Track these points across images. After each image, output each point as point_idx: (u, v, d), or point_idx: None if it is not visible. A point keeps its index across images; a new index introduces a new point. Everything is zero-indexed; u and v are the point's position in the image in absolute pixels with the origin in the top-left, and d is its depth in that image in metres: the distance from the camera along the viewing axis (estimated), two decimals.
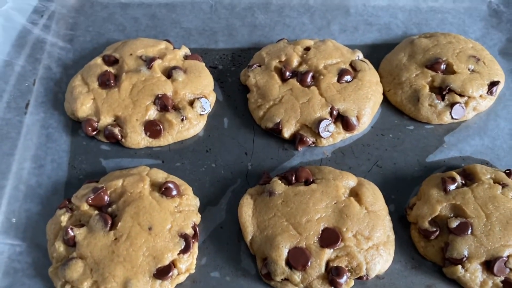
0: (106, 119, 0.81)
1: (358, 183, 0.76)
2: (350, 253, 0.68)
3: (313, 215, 0.70)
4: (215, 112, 0.87)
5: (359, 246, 0.69)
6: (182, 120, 0.82)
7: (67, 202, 0.73)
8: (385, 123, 0.87)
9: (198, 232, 0.72)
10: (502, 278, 0.68)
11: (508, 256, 0.68)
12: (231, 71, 0.93)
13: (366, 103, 0.84)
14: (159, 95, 0.82)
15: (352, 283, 0.68)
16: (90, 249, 0.67)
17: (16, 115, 0.84)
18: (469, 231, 0.70)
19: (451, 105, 0.85)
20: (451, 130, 0.86)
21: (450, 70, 0.88)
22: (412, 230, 0.75)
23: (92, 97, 0.83)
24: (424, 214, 0.73)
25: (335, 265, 0.67)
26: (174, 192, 0.73)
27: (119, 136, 0.80)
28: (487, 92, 0.87)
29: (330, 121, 0.82)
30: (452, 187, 0.75)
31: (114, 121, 0.82)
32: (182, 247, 0.68)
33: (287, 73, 0.86)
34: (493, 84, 0.87)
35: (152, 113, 0.82)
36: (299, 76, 0.86)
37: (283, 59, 0.88)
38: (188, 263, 0.69)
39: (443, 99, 0.85)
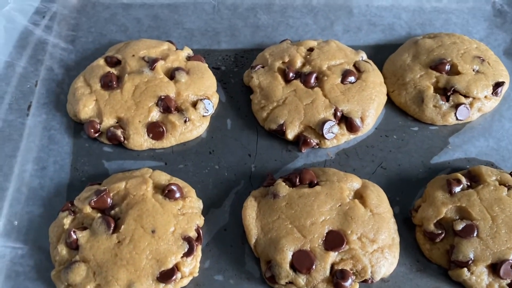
0: (108, 121, 0.80)
1: (363, 185, 0.75)
2: (355, 256, 0.67)
3: (317, 217, 0.70)
4: (218, 113, 0.87)
5: (364, 249, 0.68)
6: (185, 121, 0.81)
7: (69, 205, 0.72)
8: (389, 124, 0.87)
9: (201, 234, 0.71)
10: (508, 281, 0.67)
11: None
12: (234, 72, 0.93)
13: (370, 104, 0.83)
14: (162, 97, 0.81)
15: (357, 286, 0.68)
16: (93, 252, 0.66)
17: (18, 117, 0.83)
18: (475, 234, 0.69)
19: (456, 106, 0.84)
20: (456, 131, 0.86)
21: (454, 71, 0.87)
22: (417, 233, 0.74)
23: (95, 98, 0.82)
24: (429, 217, 0.72)
25: (340, 268, 0.67)
26: (177, 195, 0.72)
27: (122, 138, 0.80)
28: (492, 93, 0.86)
29: (334, 123, 0.81)
30: (457, 189, 0.74)
31: (117, 122, 0.81)
32: (186, 250, 0.68)
33: (291, 74, 0.86)
34: (498, 84, 0.86)
35: (155, 115, 0.81)
36: (302, 77, 0.85)
37: (287, 60, 0.88)
38: (191, 266, 0.68)
39: (447, 100, 0.85)
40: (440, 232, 0.71)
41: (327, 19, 1.01)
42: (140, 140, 0.80)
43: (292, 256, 0.67)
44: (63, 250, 0.68)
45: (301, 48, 0.90)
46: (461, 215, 0.72)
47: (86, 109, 0.81)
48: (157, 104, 0.81)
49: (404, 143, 0.84)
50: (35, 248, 0.71)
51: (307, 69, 0.86)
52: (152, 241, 0.67)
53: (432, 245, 0.72)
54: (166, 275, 0.66)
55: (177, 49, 0.91)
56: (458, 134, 0.85)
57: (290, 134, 0.81)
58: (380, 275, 0.68)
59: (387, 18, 1.02)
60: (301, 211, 0.71)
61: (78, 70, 0.89)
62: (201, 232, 0.71)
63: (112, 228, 0.68)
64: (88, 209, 0.71)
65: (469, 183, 0.76)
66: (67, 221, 0.70)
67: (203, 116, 0.83)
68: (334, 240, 0.68)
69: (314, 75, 0.85)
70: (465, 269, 0.68)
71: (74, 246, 0.67)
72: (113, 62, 0.87)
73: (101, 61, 0.87)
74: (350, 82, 0.85)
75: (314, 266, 0.67)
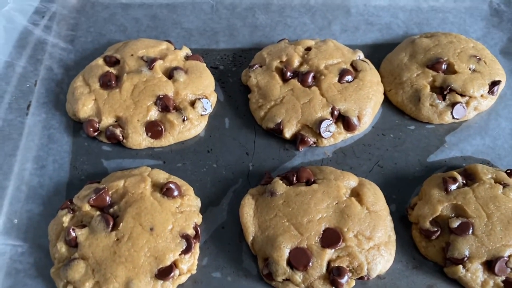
0: (107, 120, 0.81)
1: (359, 183, 0.76)
2: (351, 253, 0.68)
3: (314, 215, 0.71)
4: (216, 112, 0.87)
5: (360, 246, 0.69)
6: (183, 120, 0.82)
7: (69, 203, 0.73)
8: (386, 123, 0.87)
9: (199, 232, 0.72)
10: (503, 278, 0.68)
11: (509, 256, 0.68)
12: (232, 71, 0.93)
13: (367, 103, 0.84)
14: (160, 96, 0.82)
15: (353, 283, 0.68)
16: (92, 250, 0.67)
17: (18, 116, 0.84)
18: (470, 231, 0.70)
19: (452, 105, 0.85)
20: (452, 130, 0.86)
21: (451, 70, 0.88)
22: (413, 230, 0.75)
23: (94, 98, 0.83)
24: (425, 214, 0.73)
25: (336, 265, 0.67)
26: (176, 193, 0.73)
27: (121, 137, 0.80)
28: (488, 92, 0.86)
29: (331, 121, 0.82)
30: (453, 187, 0.75)
31: (116, 121, 0.82)
32: (184, 247, 0.68)
33: (288, 74, 0.86)
34: (494, 83, 0.87)
35: (153, 114, 0.82)
36: (300, 76, 0.86)
37: (284, 59, 0.88)
38: (189, 264, 0.69)
39: (444, 99, 0.85)
40: (436, 229, 0.72)
41: (325, 18, 1.02)
42: (139, 139, 0.81)
43: (289, 253, 0.68)
44: (62, 248, 0.68)
45: (299, 48, 0.90)
46: (457, 213, 0.73)
47: (85, 108, 0.82)
48: (155, 103, 0.82)
49: (400, 142, 0.85)
50: (35, 246, 0.72)
51: (304, 68, 0.87)
52: (151, 239, 0.68)
53: (428, 242, 0.72)
54: (164, 272, 0.66)
55: (175, 48, 0.92)
56: (454, 132, 0.86)
57: (288, 133, 0.82)
58: (376, 272, 0.69)
59: (384, 17, 1.02)
60: (298, 209, 0.71)
61: (77, 70, 0.90)
62: (199, 230, 0.72)
63: (111, 226, 0.69)
64: (87, 207, 0.71)
65: (465, 181, 0.77)
66: (66, 219, 0.71)
67: (201, 115, 0.84)
68: (331, 238, 0.69)
69: (312, 74, 0.86)
70: (461, 266, 0.69)
71: (73, 244, 0.68)
72: (112, 62, 0.88)
73: (100, 61, 0.88)
74: (347, 81, 0.86)
75: (310, 263, 0.67)
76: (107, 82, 0.84)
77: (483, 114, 0.88)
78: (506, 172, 0.77)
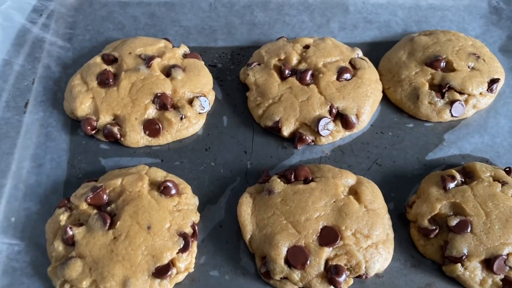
0: (105, 118, 0.81)
1: (357, 181, 0.76)
2: (349, 252, 0.68)
3: (312, 213, 0.70)
4: (214, 110, 0.87)
5: (358, 245, 0.69)
6: (181, 118, 0.82)
7: (66, 201, 0.73)
8: (385, 121, 0.87)
9: (197, 231, 0.71)
10: (502, 276, 0.68)
11: (507, 254, 0.68)
12: (230, 69, 0.93)
13: (366, 101, 0.84)
14: (158, 94, 0.82)
15: (351, 281, 0.68)
16: (89, 248, 0.67)
17: (16, 114, 0.84)
18: (469, 229, 0.69)
19: (451, 102, 0.84)
20: (451, 128, 0.86)
21: (450, 68, 0.87)
22: (411, 229, 0.74)
23: (91, 96, 0.82)
24: (424, 212, 0.73)
25: (334, 263, 0.67)
26: (173, 191, 0.73)
27: (118, 135, 0.80)
28: (487, 90, 0.86)
29: (330, 120, 0.81)
30: (451, 185, 0.75)
31: (113, 120, 0.82)
32: (181, 246, 0.68)
33: (287, 72, 0.86)
34: (493, 81, 0.87)
35: (151, 112, 0.81)
36: (298, 74, 0.85)
37: (283, 57, 0.88)
38: (187, 262, 0.69)
39: (442, 97, 0.85)
40: (434, 228, 0.71)
41: (323, 16, 1.01)
42: (137, 137, 0.80)
43: (287, 251, 0.68)
44: (59, 246, 0.68)
45: (297, 46, 0.90)
46: (455, 211, 0.72)
47: (83, 107, 0.82)
48: (153, 102, 0.82)
49: (399, 140, 0.84)
50: (32, 244, 0.72)
51: (303, 66, 0.87)
52: (148, 237, 0.68)
53: (426, 240, 0.72)
54: (162, 271, 0.66)
55: (173, 46, 0.92)
56: (453, 130, 0.86)
57: (286, 131, 0.82)
58: (374, 270, 0.69)
59: (383, 15, 1.02)
60: (296, 207, 0.71)
61: (75, 68, 0.90)
62: (196, 228, 0.72)
63: (108, 224, 0.68)
64: (84, 206, 0.71)
65: (463, 179, 0.76)
66: (63, 217, 0.71)
67: (199, 113, 0.84)
68: (329, 236, 0.69)
69: (310, 72, 0.85)
70: (459, 264, 0.68)
71: (70, 242, 0.68)
72: (110, 60, 0.88)
73: (97, 59, 0.88)
74: (346, 79, 0.85)
75: (308, 262, 0.67)
76: (104, 80, 0.83)
77: (482, 112, 0.88)
78: (504, 170, 0.77)
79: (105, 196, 0.72)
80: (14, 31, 0.92)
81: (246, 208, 0.73)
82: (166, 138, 0.82)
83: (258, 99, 0.85)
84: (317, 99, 0.82)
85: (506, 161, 0.82)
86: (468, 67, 0.87)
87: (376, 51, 0.96)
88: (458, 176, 0.76)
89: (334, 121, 0.82)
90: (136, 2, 1.01)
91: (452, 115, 0.85)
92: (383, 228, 0.71)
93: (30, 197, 0.76)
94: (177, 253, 0.68)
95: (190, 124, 0.83)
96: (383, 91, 0.89)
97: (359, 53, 0.91)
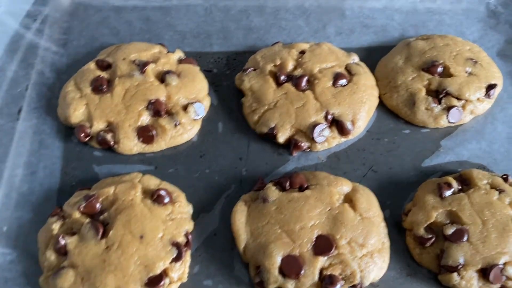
0: (98, 125, 0.80)
1: (353, 189, 0.75)
2: (344, 261, 0.67)
3: (306, 222, 0.70)
4: (209, 116, 0.86)
5: (353, 254, 0.68)
6: (176, 125, 0.81)
7: (59, 210, 0.72)
8: (381, 127, 0.86)
9: (190, 240, 0.71)
10: (498, 286, 0.67)
11: (504, 264, 0.67)
12: (226, 74, 0.92)
13: (361, 107, 0.83)
14: (152, 100, 0.81)
15: None
16: (82, 258, 0.66)
17: (9, 121, 0.83)
18: (465, 238, 0.69)
19: (448, 108, 0.84)
20: (448, 134, 0.85)
21: (447, 73, 0.87)
22: (407, 237, 0.74)
23: (85, 102, 0.82)
24: (420, 221, 0.72)
25: (328, 273, 0.67)
26: (167, 200, 0.72)
27: (112, 142, 0.79)
28: (485, 95, 0.85)
29: (325, 126, 0.81)
30: (448, 193, 0.74)
31: (107, 127, 0.81)
32: (174, 255, 0.68)
33: (282, 77, 0.85)
34: (490, 87, 0.86)
35: (145, 119, 0.81)
36: (294, 80, 0.85)
37: (278, 63, 0.88)
38: (180, 272, 0.68)
39: (439, 103, 0.84)
40: (430, 236, 0.71)
41: (320, 21, 1.00)
42: (130, 144, 0.80)
43: (281, 261, 0.67)
44: (51, 256, 0.68)
45: (293, 51, 0.89)
46: (452, 219, 0.72)
47: (77, 113, 0.81)
48: (147, 108, 0.81)
49: (395, 146, 0.84)
50: (24, 254, 0.71)
51: (298, 72, 0.86)
52: (140, 247, 0.67)
53: (422, 249, 0.72)
54: (154, 281, 0.66)
55: (168, 52, 0.91)
56: (450, 137, 0.85)
57: (281, 138, 0.81)
58: (369, 280, 0.68)
59: (380, 19, 1.01)
60: (291, 216, 0.70)
61: (69, 74, 0.89)
62: (190, 237, 0.71)
63: (100, 233, 0.68)
64: (77, 214, 0.70)
65: (460, 187, 0.76)
66: (56, 226, 0.70)
67: (194, 119, 0.83)
68: (323, 245, 0.68)
69: (305, 78, 0.85)
70: (455, 273, 0.68)
71: (62, 252, 0.67)
72: (104, 66, 0.87)
73: (92, 65, 0.87)
74: (341, 85, 0.85)
75: (302, 271, 0.66)
76: (98, 87, 0.83)
77: (479, 118, 0.87)
78: (502, 177, 0.76)
79: (98, 205, 0.71)
80: (8, 37, 0.92)
81: (240, 216, 0.72)
82: (160, 145, 0.81)
83: (253, 105, 0.85)
84: (313, 105, 0.82)
85: (503, 167, 0.82)
86: (466, 72, 0.87)
87: (373, 55, 0.95)
88: (454, 184, 0.75)
89: (329, 127, 0.82)
90: (131, 7, 1.01)
91: (449, 121, 0.84)
92: (378, 237, 0.70)
93: (22, 206, 0.75)
94: (170, 263, 0.67)
95: (184, 131, 0.82)
96: (379, 97, 0.88)
97: (355, 58, 0.90)
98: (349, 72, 0.87)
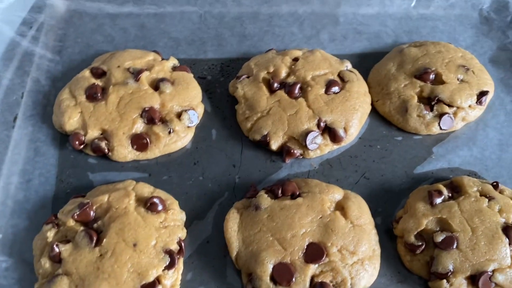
0: (93, 133, 0.81)
1: (344, 197, 0.76)
2: (334, 268, 0.68)
3: (298, 230, 0.70)
4: (203, 123, 0.87)
5: (344, 261, 0.69)
6: (169, 132, 0.82)
7: (53, 218, 0.73)
8: (373, 133, 0.87)
9: (183, 247, 0.72)
10: None
11: (493, 271, 0.68)
12: (220, 81, 0.93)
13: (354, 114, 0.84)
14: (146, 108, 0.82)
15: None
16: (76, 266, 0.67)
17: (4, 129, 0.84)
18: (455, 246, 0.70)
19: (440, 115, 0.84)
20: (440, 141, 0.86)
21: (439, 80, 0.87)
22: (398, 244, 0.75)
23: (80, 110, 0.83)
24: (410, 228, 0.73)
25: (319, 280, 0.67)
26: (160, 207, 0.73)
27: (106, 150, 0.80)
28: (476, 102, 0.86)
29: (317, 133, 0.81)
30: (438, 200, 0.75)
31: (101, 134, 0.82)
32: (167, 263, 0.68)
33: (275, 85, 0.86)
34: (482, 94, 0.86)
35: (139, 126, 0.82)
36: (287, 87, 0.85)
37: (271, 70, 0.88)
38: (173, 279, 0.69)
39: (431, 110, 0.85)
40: (421, 243, 0.71)
41: (313, 28, 1.01)
42: (124, 152, 0.80)
43: (273, 268, 0.68)
44: (46, 263, 0.68)
45: (286, 58, 0.90)
46: (442, 227, 0.72)
47: (71, 121, 0.82)
48: (141, 116, 0.82)
49: (387, 153, 0.84)
50: (20, 261, 0.72)
51: (291, 79, 0.87)
52: (134, 255, 0.68)
53: (413, 256, 0.72)
54: None
55: (162, 59, 0.92)
56: (442, 143, 0.86)
57: (274, 145, 0.82)
58: (360, 287, 0.68)
59: (373, 26, 1.02)
60: (282, 224, 0.71)
61: (64, 81, 0.89)
62: (183, 244, 0.72)
63: (94, 241, 0.68)
64: (71, 222, 0.71)
65: (450, 194, 0.76)
66: (50, 234, 0.71)
67: (188, 127, 0.84)
68: (314, 253, 0.69)
69: (298, 85, 0.85)
70: (445, 280, 0.68)
71: (57, 260, 0.68)
72: (99, 74, 0.88)
73: (86, 73, 0.88)
74: (334, 93, 0.85)
75: (294, 279, 0.67)
76: (93, 95, 0.83)
77: (471, 125, 0.88)
78: (492, 184, 0.77)
79: (92, 213, 0.72)
80: (4, 45, 0.92)
81: (232, 224, 0.73)
82: (154, 152, 0.82)
83: (246, 113, 0.85)
84: (305, 113, 0.82)
85: (494, 174, 0.82)
86: (458, 79, 0.87)
87: (366, 62, 0.96)
88: (445, 191, 0.76)
89: (322, 134, 0.82)
90: (125, 14, 1.01)
91: (441, 128, 0.85)
92: (369, 244, 0.71)
93: (18, 213, 0.76)
94: (163, 270, 0.68)
95: (178, 138, 0.83)
96: (372, 104, 0.89)
97: (348, 65, 0.91)
98: (342, 79, 0.88)
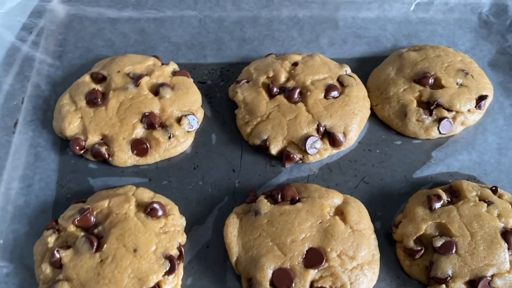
0: (93, 138, 0.81)
1: (344, 201, 0.76)
2: (334, 274, 0.68)
3: (298, 235, 0.71)
4: (203, 128, 0.87)
5: (343, 266, 0.69)
6: (169, 137, 0.82)
7: (54, 223, 0.73)
8: (373, 138, 0.87)
9: (183, 252, 0.72)
10: None
11: (492, 276, 0.68)
12: (219, 86, 0.93)
13: (353, 119, 0.84)
14: (146, 113, 0.82)
15: None
16: (76, 271, 0.67)
17: (5, 135, 0.84)
18: (454, 250, 0.70)
19: (439, 120, 0.85)
20: (439, 145, 0.86)
21: (438, 85, 0.88)
22: (397, 249, 0.75)
23: (80, 115, 0.83)
24: (409, 233, 0.73)
25: (319, 285, 0.68)
26: (160, 213, 0.73)
27: (106, 155, 0.80)
28: (475, 106, 0.86)
29: (317, 138, 0.82)
30: (437, 205, 0.75)
31: (102, 139, 0.82)
32: (167, 268, 0.69)
33: (275, 89, 0.86)
34: (481, 98, 0.87)
35: (139, 131, 0.82)
36: (286, 92, 0.86)
37: (271, 75, 0.88)
38: (173, 285, 0.69)
39: (430, 114, 0.85)
40: (420, 248, 0.72)
41: (313, 32, 1.01)
42: (124, 157, 0.81)
43: (272, 274, 0.68)
44: (47, 269, 0.69)
45: (286, 63, 0.90)
46: (441, 232, 0.73)
47: (72, 127, 0.82)
48: (141, 121, 0.82)
49: (387, 157, 0.85)
50: (20, 267, 0.72)
51: (291, 84, 0.87)
52: (134, 260, 0.68)
53: (412, 261, 0.73)
54: None
55: (162, 64, 0.92)
56: (441, 148, 0.86)
57: (274, 150, 0.82)
58: None
59: (372, 30, 1.02)
60: (282, 229, 0.71)
61: (65, 86, 0.90)
62: (183, 250, 0.72)
63: (95, 247, 0.69)
64: (72, 228, 0.71)
65: (449, 199, 0.77)
66: (51, 239, 0.71)
67: (188, 131, 0.84)
68: (314, 258, 0.69)
69: (298, 90, 0.85)
70: (444, 285, 0.69)
71: (57, 265, 0.68)
72: (99, 79, 0.88)
73: (86, 78, 0.88)
74: (333, 97, 0.85)
75: (293, 284, 0.67)
76: (93, 100, 0.84)
77: (470, 129, 0.88)
78: (491, 189, 0.77)
79: (92, 218, 0.72)
80: (4, 50, 0.92)
81: (232, 229, 0.73)
82: (154, 157, 0.82)
83: (246, 117, 0.85)
84: (305, 118, 0.83)
85: (493, 178, 0.83)
86: (457, 83, 0.88)
87: (366, 66, 0.96)
88: (444, 196, 0.76)
89: (321, 139, 0.83)
90: (125, 19, 1.01)
91: (440, 132, 0.85)
92: (368, 249, 0.71)
93: (18, 219, 0.76)
94: (163, 275, 0.68)
95: (178, 143, 0.83)
96: (371, 108, 0.89)
97: (347, 70, 0.91)
98: (341, 83, 0.88)
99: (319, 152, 0.82)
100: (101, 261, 0.68)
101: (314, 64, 0.90)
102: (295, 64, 0.90)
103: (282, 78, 0.88)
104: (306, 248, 0.70)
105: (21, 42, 0.94)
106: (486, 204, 0.74)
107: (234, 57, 0.98)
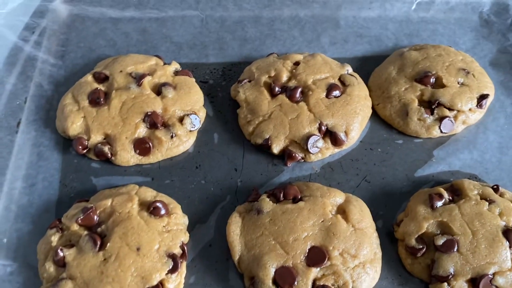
0: (96, 137, 0.82)
1: (346, 200, 0.76)
2: (336, 272, 0.69)
3: (300, 233, 0.71)
4: (205, 127, 0.88)
5: (346, 265, 0.69)
6: (172, 137, 0.82)
7: (57, 222, 0.73)
8: (374, 137, 0.87)
9: (186, 251, 0.72)
10: None
11: (493, 274, 0.68)
12: (221, 85, 0.94)
13: (355, 118, 0.84)
14: (149, 113, 0.82)
15: None
16: (80, 270, 0.68)
17: (8, 134, 0.84)
18: (455, 249, 0.70)
19: (440, 119, 0.85)
20: (440, 144, 0.86)
21: (439, 84, 0.88)
22: (399, 247, 0.75)
23: (83, 115, 0.83)
24: (411, 231, 0.73)
25: (321, 284, 0.68)
26: (163, 212, 0.73)
27: (109, 154, 0.81)
28: (477, 105, 0.87)
29: (319, 137, 0.82)
30: (439, 203, 0.75)
31: (104, 139, 0.82)
32: (170, 267, 0.69)
33: (277, 89, 0.86)
34: (482, 97, 0.87)
35: (142, 131, 0.82)
36: (288, 91, 0.86)
37: (273, 74, 0.89)
38: (176, 283, 0.70)
39: (432, 113, 0.85)
40: (422, 247, 0.72)
41: (314, 31, 1.02)
42: (127, 156, 0.81)
43: (275, 272, 0.68)
44: (50, 268, 0.69)
45: (287, 62, 0.90)
46: (442, 230, 0.73)
47: (74, 126, 0.83)
48: (143, 120, 0.82)
49: (388, 156, 0.85)
50: (24, 265, 0.73)
51: (292, 83, 0.87)
52: (137, 259, 0.68)
53: (414, 259, 0.73)
54: None
55: (164, 63, 0.92)
56: (442, 146, 0.86)
57: (276, 149, 0.82)
58: None
59: (374, 29, 1.02)
60: (284, 227, 0.72)
61: (67, 86, 0.90)
62: (186, 248, 0.72)
63: (98, 245, 0.69)
64: (75, 227, 0.72)
65: (451, 197, 0.77)
66: (54, 238, 0.71)
67: (190, 131, 0.84)
68: (316, 256, 0.69)
69: (300, 89, 0.86)
70: (445, 283, 0.69)
71: (61, 264, 0.69)
72: (101, 78, 0.88)
73: (89, 77, 0.88)
74: (335, 96, 0.86)
75: (296, 282, 0.68)
76: (95, 99, 0.84)
77: (471, 128, 0.88)
78: (492, 187, 0.77)
79: (95, 217, 0.72)
80: (6, 50, 0.93)
81: (235, 228, 0.74)
82: (156, 156, 0.82)
83: (248, 116, 0.86)
84: (307, 117, 0.83)
85: (494, 177, 0.83)
86: (458, 83, 0.88)
87: (367, 65, 0.97)
88: (445, 195, 0.76)
89: (323, 138, 0.83)
90: (127, 19, 1.02)
91: (441, 131, 0.85)
92: (370, 248, 0.72)
93: (22, 218, 0.77)
94: (166, 274, 0.69)
95: (180, 142, 0.83)
96: (372, 107, 0.90)
97: (349, 69, 0.92)
98: (343, 83, 0.88)
99: (321, 151, 0.83)
100: (105, 260, 0.68)
101: (316, 63, 0.90)
102: (296, 64, 0.91)
103: (284, 77, 0.88)
104: (309, 247, 0.70)
105: (23, 42, 0.95)
106: (487, 203, 0.74)
107: (236, 57, 0.98)
